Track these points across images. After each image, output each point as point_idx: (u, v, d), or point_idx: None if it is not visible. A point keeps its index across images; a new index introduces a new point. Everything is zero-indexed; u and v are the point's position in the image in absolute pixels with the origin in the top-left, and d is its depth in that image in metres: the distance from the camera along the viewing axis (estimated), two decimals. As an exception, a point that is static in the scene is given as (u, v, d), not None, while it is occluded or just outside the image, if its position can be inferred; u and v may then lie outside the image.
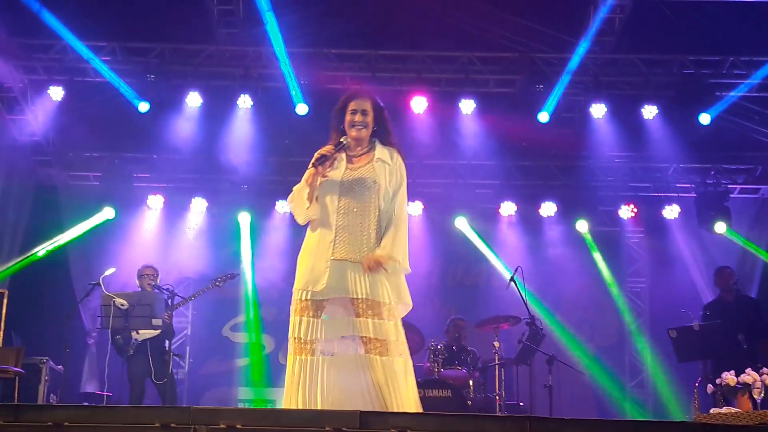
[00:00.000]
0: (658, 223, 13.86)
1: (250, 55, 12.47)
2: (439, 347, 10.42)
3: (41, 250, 13.04)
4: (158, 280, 10.36)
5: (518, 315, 10.51)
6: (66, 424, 4.45)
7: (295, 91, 12.26)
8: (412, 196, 13.50)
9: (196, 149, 13.09)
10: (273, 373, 13.46)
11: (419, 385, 9.58)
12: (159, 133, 12.84)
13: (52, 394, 10.72)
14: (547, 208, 13.74)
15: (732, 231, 13.20)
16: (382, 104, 5.74)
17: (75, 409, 4.81)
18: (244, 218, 13.65)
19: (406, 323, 10.50)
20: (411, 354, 10.51)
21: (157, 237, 13.79)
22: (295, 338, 5.40)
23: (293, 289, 5.49)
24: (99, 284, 9.81)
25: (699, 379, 9.17)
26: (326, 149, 5.51)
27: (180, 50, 12.43)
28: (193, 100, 12.52)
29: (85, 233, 13.39)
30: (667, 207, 13.70)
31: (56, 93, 12.33)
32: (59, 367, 10.85)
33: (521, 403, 10.83)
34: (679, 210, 13.68)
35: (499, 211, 13.86)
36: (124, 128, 12.93)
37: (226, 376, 13.90)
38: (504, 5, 11.88)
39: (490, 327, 10.49)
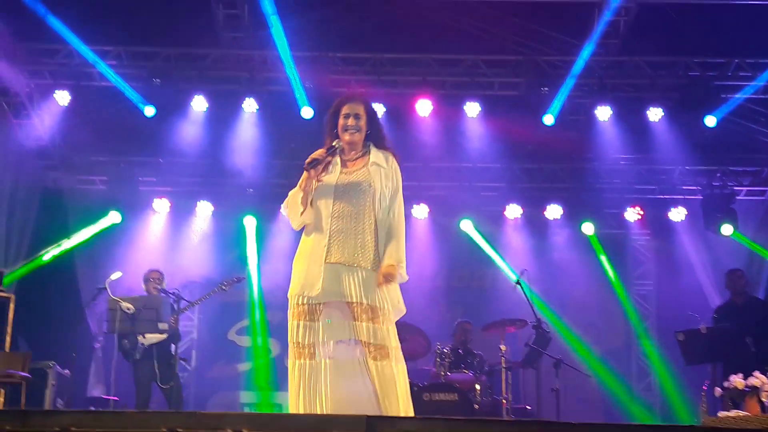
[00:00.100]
0: (664, 225, 13.86)
1: (256, 59, 12.48)
2: (445, 351, 10.40)
3: (47, 254, 13.06)
4: (164, 284, 10.36)
5: (524, 318, 10.49)
6: (72, 429, 4.44)
7: (300, 95, 12.28)
8: (417, 199, 13.56)
9: (201, 153, 13.13)
10: (279, 376, 13.45)
11: (426, 388, 9.67)
12: (165, 137, 12.87)
13: (58, 399, 10.71)
14: (553, 211, 13.73)
15: (738, 233, 13.17)
16: (374, 108, 5.72)
17: (81, 414, 4.80)
18: (250, 222, 13.66)
19: (412, 327, 10.62)
20: (417, 357, 10.69)
21: (163, 241, 13.81)
22: (294, 343, 5.40)
23: (288, 294, 5.47)
24: (105, 288, 9.81)
25: (707, 382, 9.14)
26: (318, 153, 5.50)
27: (185, 54, 12.45)
28: (199, 104, 12.55)
29: (91, 237, 13.41)
30: (673, 209, 13.69)
31: (62, 97, 12.38)
32: (66, 371, 10.85)
33: (528, 407, 10.80)
34: (686, 212, 13.67)
35: (505, 213, 13.86)
36: (130, 132, 12.96)
37: (232, 380, 13.91)
38: (508, 8, 11.89)
39: (497, 330, 10.46)
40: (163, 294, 10.17)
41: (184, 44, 12.34)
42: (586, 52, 11.88)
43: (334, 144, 5.56)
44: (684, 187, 13.78)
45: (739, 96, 12.32)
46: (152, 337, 9.89)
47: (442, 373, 10.20)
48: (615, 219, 13.97)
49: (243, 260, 13.74)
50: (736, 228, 13.09)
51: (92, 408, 11.36)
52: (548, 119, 12.41)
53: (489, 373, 10.58)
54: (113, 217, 13.44)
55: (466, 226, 13.96)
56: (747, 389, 6.82)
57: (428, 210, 13.80)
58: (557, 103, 12.35)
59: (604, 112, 12.51)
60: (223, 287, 10.31)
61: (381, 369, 5.26)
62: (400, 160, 5.69)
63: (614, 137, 12.84)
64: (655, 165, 13.55)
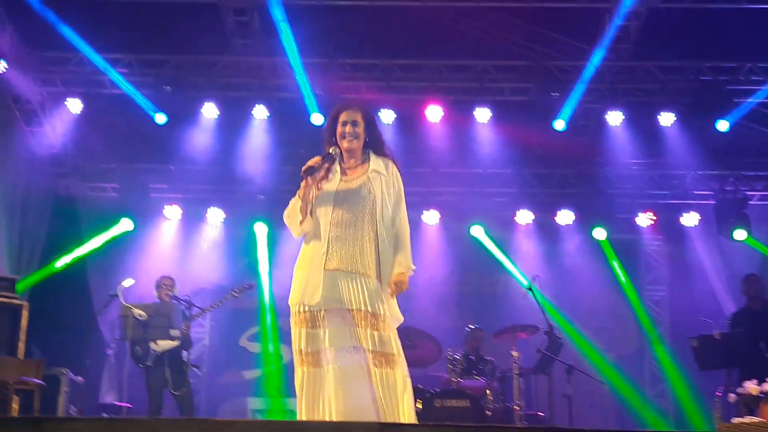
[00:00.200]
0: (676, 230, 13.82)
1: (266, 66, 12.51)
2: (456, 357, 10.37)
3: (60, 261, 13.10)
4: (176, 291, 10.38)
5: (536, 324, 10.46)
6: (85, 436, 4.45)
7: (310, 101, 12.29)
8: (428, 205, 13.57)
9: (212, 160, 13.16)
10: (291, 383, 13.37)
11: (437, 395, 9.65)
12: (176, 144, 12.93)
13: (71, 406, 10.73)
14: (564, 216, 13.71)
15: (752, 238, 13.11)
16: (372, 114, 5.73)
17: (95, 421, 4.81)
18: (261, 228, 13.67)
19: (423, 333, 10.61)
20: (428, 364, 10.67)
21: (174, 247, 13.85)
22: (297, 351, 5.41)
23: (289, 302, 5.48)
24: (117, 295, 9.83)
25: (721, 388, 9.10)
26: (314, 161, 5.52)
27: (196, 62, 12.48)
28: (209, 111, 12.58)
29: (103, 244, 13.45)
30: (685, 214, 13.65)
31: (74, 105, 12.44)
32: (79, 378, 10.88)
33: (541, 414, 10.76)
34: (698, 217, 13.62)
35: (516, 219, 13.84)
36: (141, 139, 13.03)
37: (244, 387, 13.91)
38: (518, 13, 11.87)
39: (508, 336, 10.43)
40: (174, 301, 10.19)
41: (194, 52, 12.37)
42: (597, 57, 11.86)
43: (330, 151, 5.57)
44: (696, 192, 13.73)
45: (752, 100, 12.26)
46: (164, 344, 9.91)
47: (454, 380, 10.16)
48: (627, 224, 13.93)
49: (254, 267, 13.75)
50: (749, 233, 13.03)
51: (105, 414, 11.40)
52: (559, 124, 12.40)
53: (501, 380, 10.55)
54: (125, 225, 13.49)
55: (477, 231, 13.94)
56: (761, 395, 6.79)
57: (439, 216, 13.79)
58: (568, 108, 12.33)
59: (615, 117, 12.49)
60: (235, 294, 10.33)
61: (385, 376, 5.25)
62: (401, 167, 5.68)
63: (626, 142, 12.81)
64: (667, 170, 13.52)
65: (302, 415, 5.29)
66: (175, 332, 9.85)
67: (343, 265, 5.35)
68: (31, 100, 12.49)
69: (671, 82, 12.48)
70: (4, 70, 11.40)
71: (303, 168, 5.47)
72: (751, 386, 6.85)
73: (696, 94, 12.25)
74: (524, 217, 13.79)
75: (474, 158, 13.33)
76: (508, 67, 12.58)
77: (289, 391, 13.35)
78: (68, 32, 11.65)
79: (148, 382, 9.96)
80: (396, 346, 5.35)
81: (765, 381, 6.87)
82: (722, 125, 12.13)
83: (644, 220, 13.72)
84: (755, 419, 6.26)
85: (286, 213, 5.60)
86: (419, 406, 9.59)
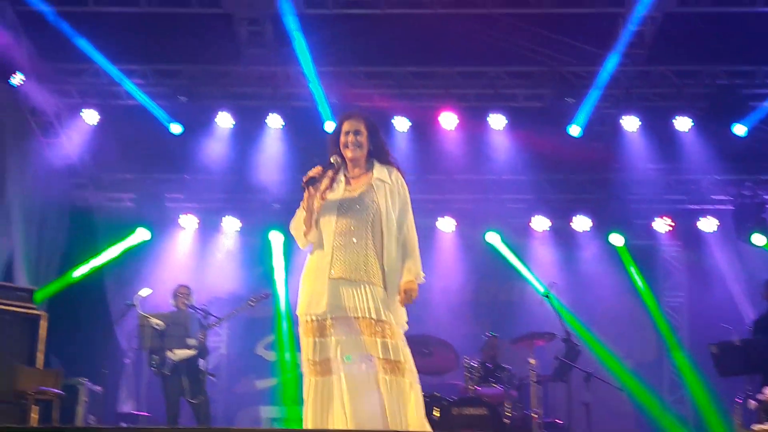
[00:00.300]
0: (694, 235, 13.75)
1: (279, 75, 12.55)
2: (473, 365, 10.34)
3: (77, 271, 13.17)
4: (192, 299, 10.40)
5: (553, 331, 10.41)
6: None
7: (324, 110, 12.31)
8: (443, 212, 13.56)
9: (227, 169, 13.20)
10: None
11: (455, 403, 9.62)
12: (191, 154, 12.99)
13: (90, 415, 10.76)
14: (581, 222, 13.67)
15: (770, 244, 13.04)
16: (375, 124, 5.73)
17: (113, 431, 4.81)
18: (276, 237, 13.69)
19: (440, 341, 10.59)
20: (446, 372, 10.65)
21: (190, 257, 13.89)
22: (306, 360, 5.41)
23: (297, 312, 5.49)
24: (134, 305, 9.86)
25: (741, 395, 9.04)
26: (314, 171, 5.53)
27: (210, 72, 12.53)
28: (224, 120, 12.63)
29: (120, 254, 13.51)
30: (703, 219, 13.58)
31: (90, 116, 12.52)
32: (97, 387, 10.91)
33: (559, 421, 10.71)
34: (716, 222, 13.55)
35: (532, 225, 13.81)
36: (157, 150, 13.09)
37: (261, 395, 13.92)
38: (532, 19, 11.85)
39: (525, 344, 10.37)
40: (191, 309, 10.21)
41: (208, 62, 12.43)
42: (612, 62, 11.82)
43: (331, 160, 5.58)
44: (714, 197, 13.67)
45: (768, 104, 12.22)
46: (181, 353, 9.92)
47: (471, 388, 10.13)
48: (644, 230, 13.86)
49: (269, 275, 13.77)
50: (768, 238, 12.96)
51: (123, 424, 11.43)
52: (574, 130, 12.37)
53: (518, 387, 10.51)
54: (141, 234, 13.55)
55: (493, 238, 13.92)
56: (781, 401, 6.72)
57: (454, 223, 13.78)
58: (583, 114, 12.30)
59: (631, 122, 12.46)
60: (251, 303, 10.34)
61: (395, 384, 5.23)
62: (405, 174, 5.67)
63: (642, 147, 12.76)
64: (684, 175, 13.46)
65: (308, 424, 5.29)
66: (192, 341, 9.86)
67: (347, 274, 5.36)
68: (47, 112, 12.56)
69: (687, 86, 12.44)
70: (21, 83, 11.46)
71: (304, 179, 5.48)
72: (771, 392, 6.79)
73: (712, 99, 12.21)
74: (540, 223, 13.77)
75: (489, 165, 13.32)
76: (523, 74, 12.56)
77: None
78: (84, 44, 11.72)
79: (165, 390, 9.98)
80: (403, 354, 5.32)
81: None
82: (739, 129, 12.07)
83: (662, 225, 13.67)
84: (775, 426, 6.20)
85: (292, 224, 5.62)
86: (436, 414, 9.58)
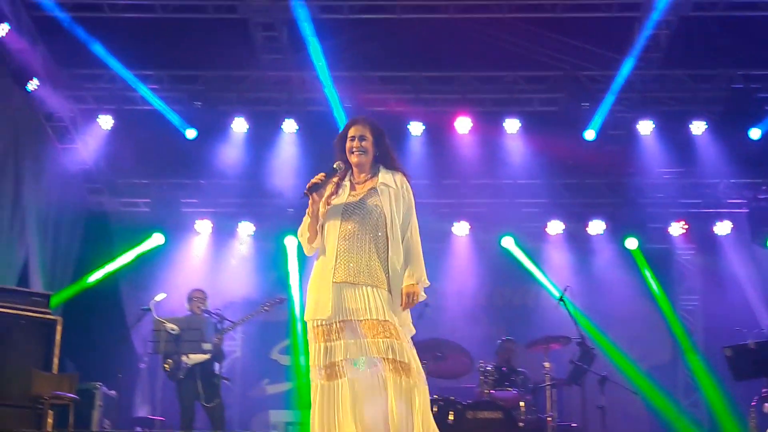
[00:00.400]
0: (709, 239, 13.71)
1: (295, 80, 12.58)
2: (488, 368, 10.34)
3: (93, 276, 13.22)
4: (207, 304, 10.41)
5: (568, 335, 10.40)
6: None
7: (339, 114, 12.33)
8: (458, 217, 13.57)
9: (242, 174, 13.24)
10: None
11: (470, 406, 9.63)
12: (206, 159, 13.02)
13: (105, 419, 10.80)
14: (596, 226, 13.66)
15: (786, 246, 12.99)
16: (381, 129, 5.74)
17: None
18: (291, 242, 13.72)
19: (455, 345, 10.59)
20: (460, 375, 10.64)
21: (205, 261, 13.92)
22: (313, 365, 5.42)
23: (305, 318, 5.50)
24: (150, 310, 9.89)
25: (756, 398, 9.00)
26: (317, 177, 5.54)
27: (225, 77, 12.59)
28: (239, 125, 12.68)
29: (135, 259, 13.57)
30: (718, 223, 13.55)
31: (105, 121, 12.58)
32: (112, 392, 10.95)
33: (574, 425, 10.69)
34: (731, 226, 13.51)
35: (547, 230, 13.80)
36: (172, 155, 13.14)
37: (276, 399, 13.94)
38: (547, 24, 11.85)
39: (540, 347, 10.38)
40: (206, 314, 10.23)
41: (223, 67, 12.48)
42: (627, 66, 11.81)
43: (334, 166, 5.61)
44: (729, 201, 13.62)
45: (785, 108, 12.18)
46: (196, 357, 9.94)
47: (486, 391, 10.13)
48: (659, 234, 13.84)
49: (284, 280, 13.79)
50: (784, 241, 12.92)
51: (138, 428, 11.46)
52: (590, 134, 12.37)
53: (533, 391, 10.49)
54: (157, 239, 13.60)
55: (508, 242, 13.92)
56: (797, 405, 6.69)
57: (469, 227, 13.78)
58: (598, 118, 12.30)
59: (646, 126, 12.46)
60: (266, 308, 10.36)
61: (403, 384, 5.23)
62: (411, 179, 5.68)
63: (657, 151, 12.75)
64: (699, 179, 13.42)
65: (315, 429, 5.30)
66: (207, 346, 9.88)
67: (350, 278, 5.37)
68: (63, 117, 12.63)
69: (702, 90, 12.42)
70: (36, 88, 11.52)
71: (307, 185, 5.50)
72: (788, 396, 6.76)
73: (727, 103, 12.18)
74: (555, 227, 13.75)
75: (504, 169, 13.31)
76: (538, 78, 12.56)
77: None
78: (99, 50, 11.78)
79: (179, 395, 9.98)
80: (408, 355, 5.30)
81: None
82: (755, 133, 12.04)
83: (676, 229, 13.63)
84: (792, 430, 6.17)
85: (299, 231, 5.64)
86: (451, 417, 9.58)
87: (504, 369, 10.63)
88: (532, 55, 12.35)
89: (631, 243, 13.71)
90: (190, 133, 12.60)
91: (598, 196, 13.82)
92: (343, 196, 5.55)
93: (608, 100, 12.14)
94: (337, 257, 5.42)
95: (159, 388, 10.38)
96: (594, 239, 13.88)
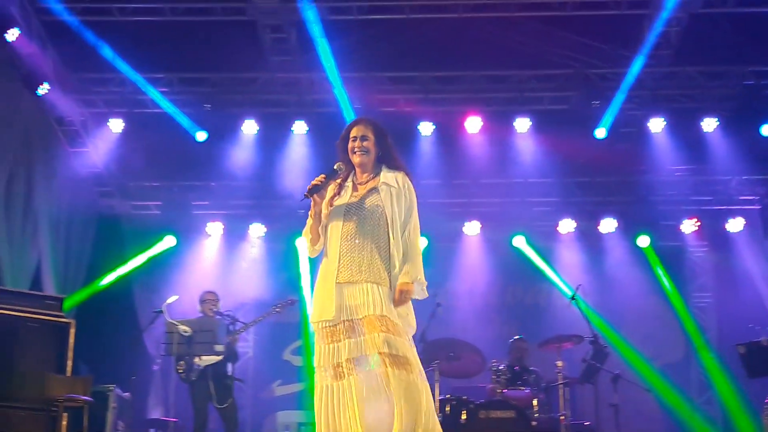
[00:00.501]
0: (721, 236, 13.68)
1: (304, 82, 12.59)
2: (501, 368, 10.33)
3: (105, 279, 13.27)
4: (219, 306, 10.43)
5: (581, 334, 10.37)
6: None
7: (348, 115, 12.33)
8: (469, 216, 13.56)
9: (253, 176, 13.27)
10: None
11: (482, 405, 9.61)
12: (216, 161, 13.05)
13: (119, 422, 10.82)
14: (607, 225, 13.65)
15: (799, 243, 12.94)
16: (384, 129, 5.74)
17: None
18: (302, 243, 13.71)
19: (467, 344, 10.58)
20: (473, 375, 10.63)
21: (217, 263, 13.95)
22: (318, 366, 5.44)
23: (311, 321, 5.52)
24: (162, 312, 9.91)
25: (770, 395, 8.97)
26: (318, 179, 5.56)
27: (235, 79, 12.60)
28: (249, 127, 12.71)
29: (147, 261, 13.61)
30: (730, 220, 13.52)
31: (116, 125, 12.61)
32: (126, 394, 10.97)
33: (587, 423, 10.67)
34: (744, 222, 13.47)
35: (558, 228, 13.78)
36: (183, 157, 13.17)
37: (289, 400, 13.95)
38: (557, 22, 11.83)
39: (553, 346, 10.36)
40: (218, 316, 10.24)
41: (233, 69, 12.49)
42: (638, 63, 11.78)
43: (335, 167, 5.62)
44: (741, 197, 13.59)
45: (796, 104, 12.13)
46: (208, 359, 9.95)
47: (499, 390, 10.12)
48: (671, 231, 13.81)
49: (296, 281, 13.80)
50: (797, 237, 12.88)
51: (152, 430, 11.50)
52: (600, 132, 12.35)
53: (546, 390, 10.47)
54: (168, 242, 13.64)
55: (519, 242, 13.91)
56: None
57: (480, 226, 13.77)
58: (609, 116, 12.27)
59: (657, 124, 12.43)
60: (277, 310, 10.36)
61: (403, 379, 5.22)
62: (413, 178, 5.68)
63: (668, 149, 12.72)
64: (711, 176, 13.39)
65: (320, 430, 5.31)
66: (219, 347, 9.89)
67: (353, 278, 5.38)
68: (73, 121, 12.68)
69: (713, 87, 12.38)
70: (47, 92, 11.55)
71: (308, 187, 5.51)
72: (802, 393, 6.73)
73: (739, 99, 12.15)
74: (566, 226, 13.74)
75: (515, 168, 13.30)
76: (548, 77, 12.55)
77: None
78: (109, 53, 11.81)
79: (192, 397, 9.99)
80: (406, 351, 5.29)
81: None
82: (766, 130, 11.99)
83: (688, 226, 13.60)
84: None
85: (303, 233, 5.66)
86: (464, 417, 9.57)
87: (516, 368, 10.62)
88: (542, 53, 12.34)
89: (643, 241, 13.69)
90: (201, 136, 12.63)
91: (609, 194, 13.80)
92: (346, 197, 5.57)
93: (619, 98, 12.12)
94: (340, 258, 5.44)
95: (172, 389, 10.39)
96: (606, 237, 13.86)
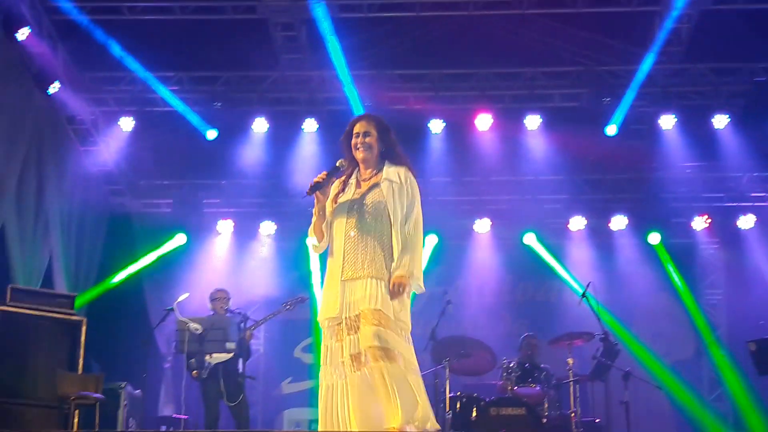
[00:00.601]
0: (733, 233, 13.64)
1: (315, 80, 12.59)
2: (511, 365, 10.32)
3: (116, 277, 13.31)
4: (230, 303, 10.45)
5: (591, 331, 10.35)
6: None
7: (359, 113, 12.32)
8: (480, 214, 13.55)
9: (263, 174, 13.30)
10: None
11: (493, 403, 9.61)
12: (227, 159, 13.09)
13: (131, 419, 10.86)
14: (618, 222, 13.63)
15: (810, 240, 12.91)
16: (387, 125, 5.74)
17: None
18: (309, 241, 13.70)
19: (478, 342, 10.58)
20: (483, 372, 10.63)
21: (227, 261, 13.97)
22: (322, 364, 5.45)
23: (318, 319, 5.53)
24: (173, 310, 9.93)
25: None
26: (320, 176, 5.56)
27: (245, 77, 12.61)
28: (260, 125, 12.72)
29: (157, 259, 13.64)
30: (741, 217, 13.47)
31: (127, 123, 12.63)
32: (137, 391, 11.01)
33: (597, 420, 10.66)
34: (755, 219, 13.43)
35: (569, 226, 13.76)
36: (193, 155, 13.20)
37: (300, 397, 13.97)
38: (567, 19, 11.81)
39: (564, 344, 10.34)
40: (229, 314, 10.26)
41: (243, 67, 12.50)
42: (648, 60, 11.75)
43: (337, 164, 5.63)
44: (752, 194, 13.55)
45: (807, 100, 12.09)
46: (219, 356, 9.97)
47: (509, 388, 10.12)
48: (682, 228, 13.78)
49: (306, 279, 13.82)
50: (808, 234, 12.84)
51: (163, 427, 11.53)
52: (611, 129, 12.33)
53: (556, 387, 10.45)
54: (179, 240, 13.68)
55: (530, 239, 13.90)
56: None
57: (491, 224, 13.76)
58: (620, 113, 12.24)
59: (668, 121, 12.40)
60: (288, 307, 10.36)
61: (392, 370, 5.19)
62: (416, 174, 5.67)
63: (679, 145, 12.69)
64: (722, 172, 13.36)
65: (321, 428, 5.33)
66: (230, 345, 9.90)
67: (356, 274, 5.39)
68: (84, 120, 12.71)
69: (724, 84, 12.35)
70: (57, 91, 11.57)
71: (310, 185, 5.52)
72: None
73: (750, 96, 12.11)
74: (577, 223, 13.72)
75: (525, 165, 13.29)
76: (558, 74, 12.52)
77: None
78: (119, 52, 11.83)
79: (203, 394, 10.01)
80: (397, 344, 5.27)
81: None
82: (778, 126, 11.98)
83: (699, 223, 13.57)
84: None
85: (309, 231, 5.67)
86: (474, 414, 9.58)
87: (527, 365, 10.60)
88: (552, 50, 12.33)
89: (654, 238, 13.67)
90: (211, 134, 12.65)
91: (620, 191, 13.78)
92: (349, 194, 5.59)
93: (630, 95, 12.09)
94: (344, 255, 5.45)
95: (183, 387, 10.42)
96: (616, 235, 13.84)
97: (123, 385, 10.78)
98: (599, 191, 13.83)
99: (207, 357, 9.92)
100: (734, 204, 13.65)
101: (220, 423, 10.15)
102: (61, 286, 12.12)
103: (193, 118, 12.58)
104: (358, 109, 12.28)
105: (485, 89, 12.54)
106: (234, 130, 12.72)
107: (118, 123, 12.65)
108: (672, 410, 13.28)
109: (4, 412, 9.24)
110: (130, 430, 10.61)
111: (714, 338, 13.90)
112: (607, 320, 11.88)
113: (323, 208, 5.59)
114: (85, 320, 10.14)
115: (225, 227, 13.94)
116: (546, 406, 10.05)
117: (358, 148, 5.62)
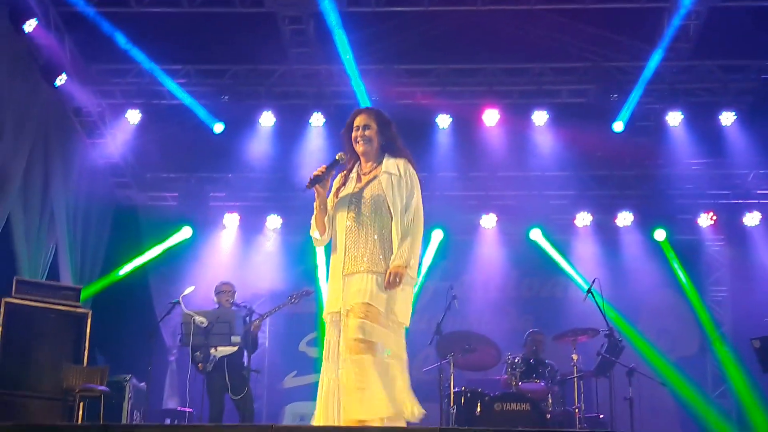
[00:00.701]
0: (738, 230, 13.62)
1: (322, 74, 12.57)
2: (516, 360, 10.33)
3: (122, 270, 13.33)
4: (235, 297, 10.46)
5: (596, 327, 10.36)
6: (152, 442, 4.52)
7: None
8: (486, 209, 13.54)
9: (270, 167, 13.30)
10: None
11: (497, 398, 9.63)
12: (234, 153, 13.08)
13: (135, 411, 10.90)
14: (624, 218, 13.61)
15: (816, 238, 12.89)
16: (387, 118, 5.74)
17: (160, 429, 4.88)
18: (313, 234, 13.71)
19: (483, 337, 10.59)
20: (488, 367, 10.64)
21: (233, 254, 13.98)
22: (325, 359, 5.47)
23: (323, 315, 5.54)
24: (179, 303, 9.95)
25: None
26: (319, 170, 5.57)
27: (253, 71, 12.59)
28: (267, 119, 12.70)
29: (163, 252, 13.66)
30: (747, 214, 13.44)
31: (133, 116, 12.61)
32: (142, 384, 11.04)
33: (601, 416, 10.67)
34: (761, 217, 13.41)
35: (575, 222, 13.75)
36: (200, 149, 13.20)
37: (305, 391, 13.97)
38: (575, 15, 11.79)
39: (568, 339, 10.36)
40: (235, 307, 10.27)
41: (251, 61, 12.48)
42: (656, 57, 11.72)
43: (336, 158, 5.63)
44: (758, 192, 13.52)
45: (814, 98, 12.06)
46: (224, 350, 9.99)
47: (514, 383, 10.13)
48: (688, 225, 13.76)
49: (312, 273, 13.82)
50: (814, 232, 12.82)
51: (168, 420, 11.56)
52: (618, 126, 12.30)
53: (561, 383, 10.47)
54: (185, 233, 13.68)
55: (536, 235, 13.90)
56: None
57: (497, 219, 13.75)
58: (627, 110, 12.22)
59: (675, 118, 12.38)
60: (293, 300, 10.37)
61: (364, 362, 5.19)
62: (416, 166, 5.68)
63: (686, 142, 12.67)
64: (728, 170, 13.35)
65: (317, 422, 5.36)
66: (236, 338, 9.92)
67: (355, 268, 5.42)
68: (91, 112, 12.71)
69: (732, 81, 12.32)
70: (64, 83, 11.56)
71: (309, 178, 5.52)
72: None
73: (758, 93, 12.09)
74: (583, 219, 13.70)
75: (532, 161, 13.28)
76: (566, 69, 12.49)
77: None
78: (126, 44, 11.82)
79: (208, 387, 10.04)
80: (381, 336, 5.25)
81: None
82: (785, 124, 11.96)
83: (705, 220, 13.55)
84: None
85: (311, 224, 5.68)
86: (479, 409, 9.59)
87: (532, 361, 10.61)
88: (559, 46, 12.31)
89: (660, 234, 13.67)
90: (218, 127, 12.63)
91: (626, 187, 13.77)
92: (350, 187, 5.61)
93: (637, 92, 12.05)
94: (345, 250, 5.47)
95: (188, 380, 10.45)
96: (622, 231, 13.82)
97: (128, 378, 10.82)
98: (605, 187, 13.82)
99: (212, 350, 9.95)
100: (740, 201, 13.62)
101: (225, 416, 10.18)
102: (66, 279, 12.14)
103: (200, 111, 12.57)
104: (365, 104, 12.23)
105: (492, 84, 12.52)
106: (241, 124, 12.72)
107: (125, 115, 12.63)
108: (676, 407, 13.28)
109: (9, 403, 9.29)
110: (134, 422, 10.65)
111: (718, 335, 13.90)
112: (612, 316, 11.86)
113: (324, 202, 5.60)
114: (90, 313, 10.18)
115: (231, 221, 13.93)
116: (550, 401, 10.08)
117: (358, 141, 5.64)
